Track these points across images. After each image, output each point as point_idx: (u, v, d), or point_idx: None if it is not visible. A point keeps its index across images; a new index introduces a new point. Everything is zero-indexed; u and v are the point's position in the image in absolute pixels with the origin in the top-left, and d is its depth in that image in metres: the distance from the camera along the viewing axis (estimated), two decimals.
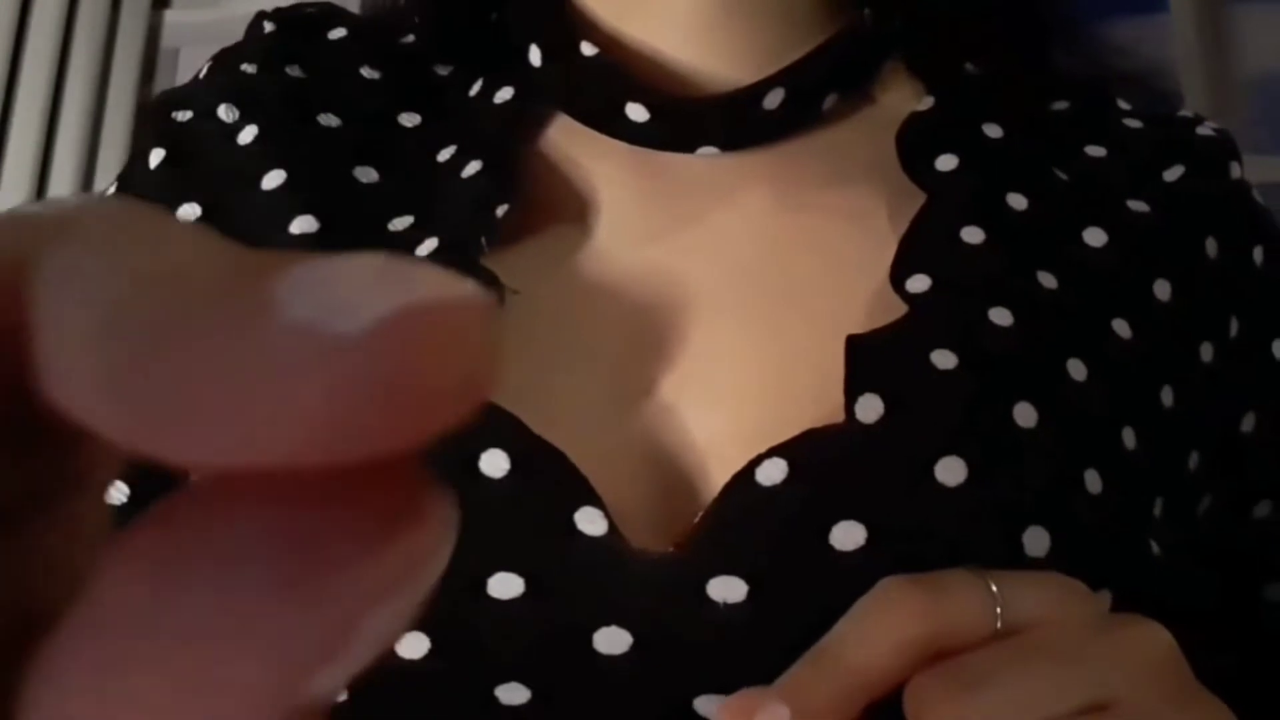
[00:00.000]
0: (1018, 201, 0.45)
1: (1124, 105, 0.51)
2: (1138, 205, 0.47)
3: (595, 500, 0.37)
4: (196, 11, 1.43)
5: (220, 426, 0.10)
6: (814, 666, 0.31)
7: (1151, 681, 0.31)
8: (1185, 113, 0.51)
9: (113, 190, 0.49)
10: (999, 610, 0.31)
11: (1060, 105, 0.50)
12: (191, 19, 1.44)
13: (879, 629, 0.31)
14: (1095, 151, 0.48)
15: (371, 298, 0.10)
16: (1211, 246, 0.47)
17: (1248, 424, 0.47)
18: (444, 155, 0.46)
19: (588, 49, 0.45)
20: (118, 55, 1.45)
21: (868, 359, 0.39)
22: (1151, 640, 0.33)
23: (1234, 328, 0.47)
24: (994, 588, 0.32)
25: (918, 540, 0.37)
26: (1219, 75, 1.15)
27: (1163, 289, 0.45)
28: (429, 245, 0.43)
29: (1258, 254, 0.48)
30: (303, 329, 0.10)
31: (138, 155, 0.48)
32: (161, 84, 1.47)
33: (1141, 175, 0.48)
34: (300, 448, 0.10)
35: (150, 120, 0.48)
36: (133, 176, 0.48)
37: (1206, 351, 0.46)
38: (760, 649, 0.35)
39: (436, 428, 0.10)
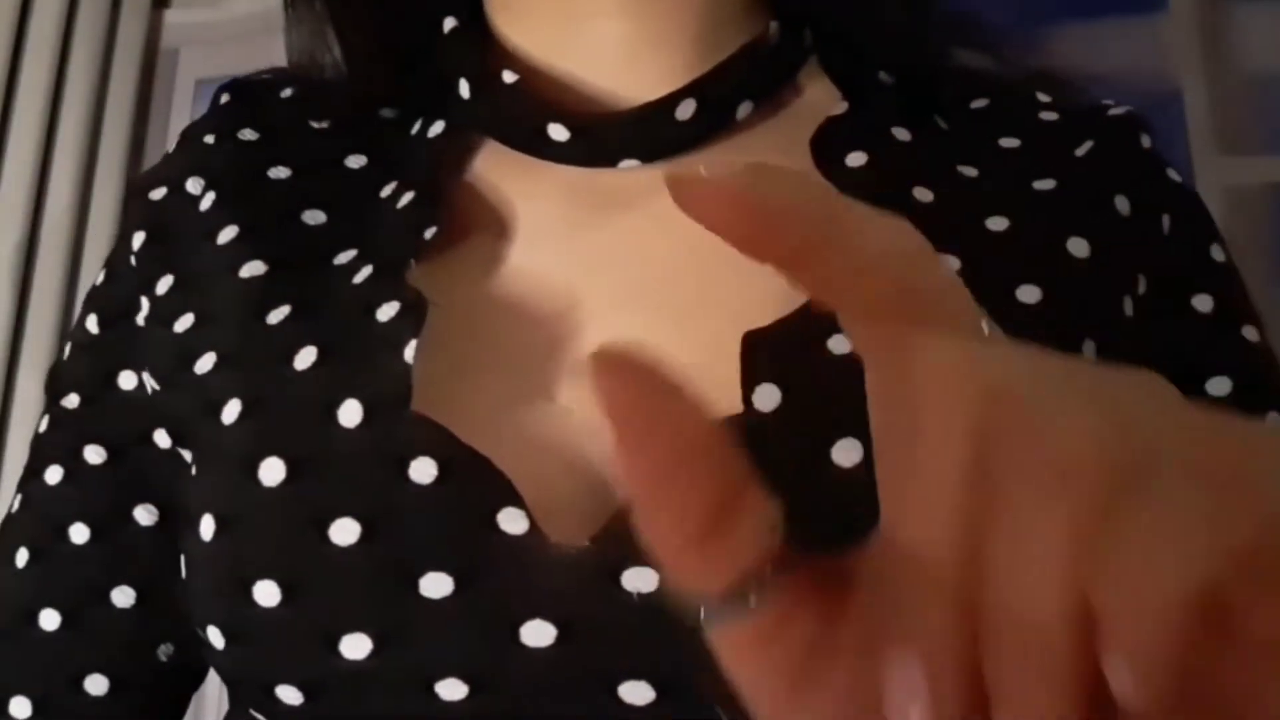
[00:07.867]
0: (923, 194, 0.47)
1: (1043, 99, 0.52)
2: (1043, 184, 0.48)
3: (517, 500, 0.39)
4: (196, 11, 1.43)
5: None
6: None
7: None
8: (1106, 101, 0.52)
9: (101, 276, 0.53)
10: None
11: (980, 103, 0.52)
12: (191, 19, 1.44)
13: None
14: (1009, 143, 0.50)
15: None
16: (1123, 204, 0.48)
17: None
18: (386, 191, 0.50)
19: (509, 76, 0.48)
20: (118, 55, 1.45)
21: (765, 351, 0.41)
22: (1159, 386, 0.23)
23: (1142, 285, 0.48)
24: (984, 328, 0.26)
25: (819, 520, 0.38)
26: (1219, 75, 1.15)
27: (1079, 246, 0.46)
28: (365, 272, 0.46)
29: (1165, 222, 0.49)
30: None
31: (122, 240, 0.53)
32: (161, 84, 1.47)
33: (1052, 158, 0.50)
34: None
35: (129, 204, 0.53)
36: (119, 261, 0.52)
37: (1128, 306, 0.47)
38: (678, 635, 0.37)
39: None
